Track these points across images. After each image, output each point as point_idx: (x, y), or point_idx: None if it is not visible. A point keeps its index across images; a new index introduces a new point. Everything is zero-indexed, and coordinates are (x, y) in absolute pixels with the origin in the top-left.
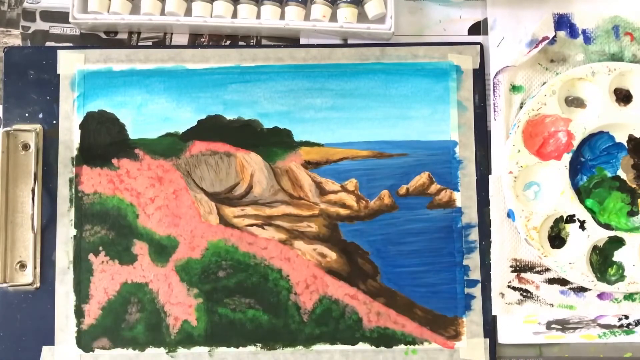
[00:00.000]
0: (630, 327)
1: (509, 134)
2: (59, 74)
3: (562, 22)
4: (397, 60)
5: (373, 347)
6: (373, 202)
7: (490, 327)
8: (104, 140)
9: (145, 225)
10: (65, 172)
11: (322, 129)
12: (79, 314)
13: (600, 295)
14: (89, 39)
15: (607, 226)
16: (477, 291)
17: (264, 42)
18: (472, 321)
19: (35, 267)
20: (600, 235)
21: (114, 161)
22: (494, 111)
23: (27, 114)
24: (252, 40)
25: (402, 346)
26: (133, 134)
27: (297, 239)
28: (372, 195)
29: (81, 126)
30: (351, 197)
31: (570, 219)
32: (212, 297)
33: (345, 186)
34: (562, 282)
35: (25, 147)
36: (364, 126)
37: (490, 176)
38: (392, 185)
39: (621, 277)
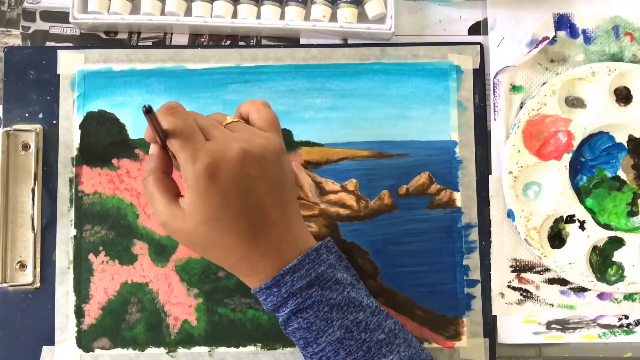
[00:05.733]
0: (630, 327)
1: (509, 134)
2: (59, 74)
3: (562, 22)
4: (397, 60)
5: None
6: (373, 202)
7: (490, 327)
8: (104, 140)
9: (146, 225)
10: (65, 172)
11: (322, 129)
12: (79, 314)
13: (600, 295)
14: (89, 39)
15: (607, 226)
16: (477, 291)
17: (264, 42)
18: (472, 321)
19: (35, 267)
20: (600, 236)
21: (114, 161)
22: (494, 111)
23: (27, 114)
24: (252, 40)
25: None
26: (133, 134)
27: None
28: (372, 195)
29: (81, 126)
30: (351, 197)
31: (570, 219)
32: (212, 297)
33: (345, 186)
34: (562, 282)
35: (25, 147)
36: (364, 126)
37: (490, 176)
38: (392, 185)
39: (621, 277)
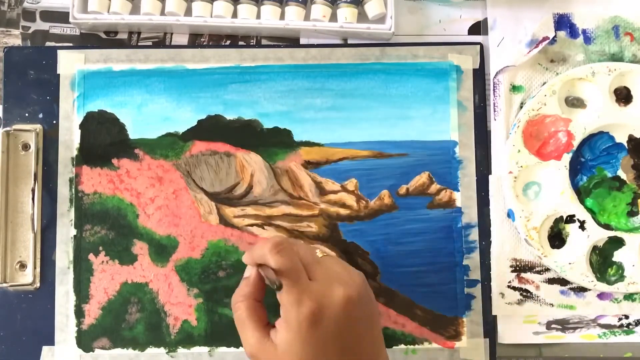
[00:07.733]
0: (630, 327)
1: (509, 134)
2: (59, 74)
3: (562, 22)
4: (397, 60)
5: None
6: (373, 202)
7: (490, 327)
8: (104, 140)
9: (145, 225)
10: (65, 172)
11: (322, 129)
12: (79, 314)
13: (600, 295)
14: (89, 39)
15: (607, 226)
16: (477, 291)
17: (264, 42)
18: (472, 321)
19: (35, 267)
20: (600, 236)
21: (114, 161)
22: (494, 111)
23: (27, 114)
24: (252, 40)
25: (402, 346)
26: (133, 134)
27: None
28: (372, 195)
29: (81, 126)
30: (351, 197)
31: (570, 219)
32: (212, 297)
33: (345, 186)
34: (562, 282)
35: (25, 147)
36: (364, 126)
37: (490, 176)
38: (392, 185)
39: (621, 277)
